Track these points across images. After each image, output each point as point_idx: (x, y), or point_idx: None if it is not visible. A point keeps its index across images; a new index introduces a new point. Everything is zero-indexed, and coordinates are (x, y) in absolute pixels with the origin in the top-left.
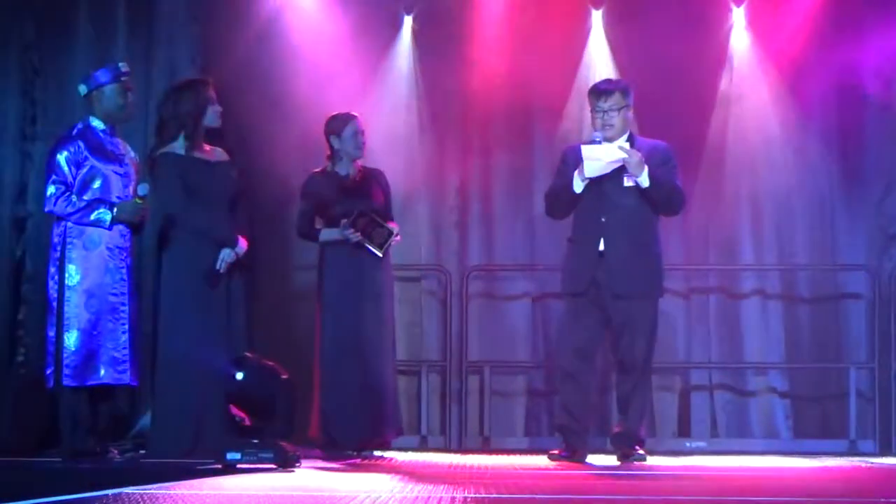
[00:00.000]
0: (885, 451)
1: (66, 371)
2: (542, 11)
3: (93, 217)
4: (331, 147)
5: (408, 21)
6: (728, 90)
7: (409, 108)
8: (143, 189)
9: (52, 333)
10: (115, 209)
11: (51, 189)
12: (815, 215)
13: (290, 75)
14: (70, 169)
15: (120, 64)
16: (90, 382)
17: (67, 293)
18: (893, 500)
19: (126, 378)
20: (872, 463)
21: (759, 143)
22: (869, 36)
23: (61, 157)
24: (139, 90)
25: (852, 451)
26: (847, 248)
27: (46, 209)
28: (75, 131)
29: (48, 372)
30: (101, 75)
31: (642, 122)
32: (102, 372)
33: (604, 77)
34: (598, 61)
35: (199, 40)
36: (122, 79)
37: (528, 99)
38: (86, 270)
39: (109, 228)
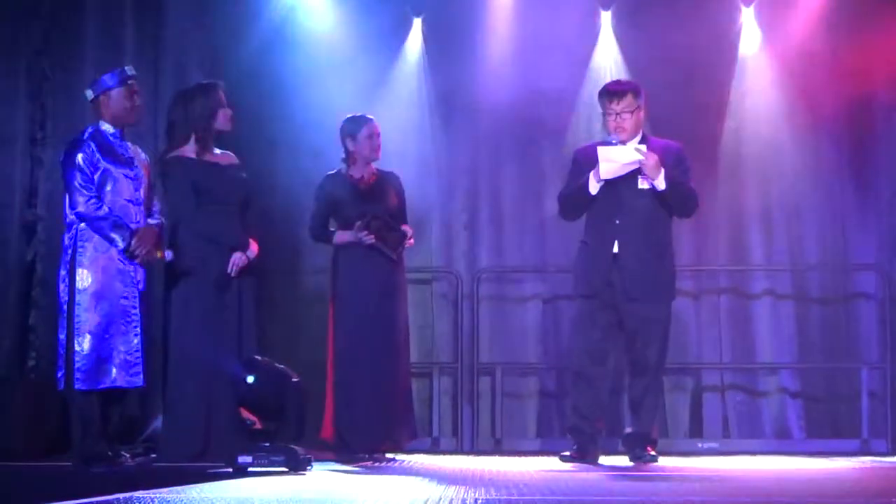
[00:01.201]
0: None
1: (77, 375)
2: (552, 12)
3: (111, 234)
4: (346, 149)
5: (417, 23)
6: (738, 90)
7: (418, 109)
8: (169, 255)
9: (62, 336)
10: (133, 239)
11: (79, 189)
12: (825, 215)
13: (300, 78)
14: (88, 171)
15: (126, 67)
16: (102, 386)
17: (78, 297)
18: None
19: (138, 381)
20: (885, 463)
21: (770, 144)
22: (879, 35)
23: (79, 158)
24: (147, 94)
25: (864, 451)
26: (858, 247)
27: (75, 209)
28: (86, 135)
29: (59, 375)
30: (108, 79)
31: (652, 123)
32: (114, 375)
33: (613, 77)
34: (608, 62)
35: (208, 44)
36: (129, 82)
37: (537, 100)
38: (96, 274)
39: (119, 251)
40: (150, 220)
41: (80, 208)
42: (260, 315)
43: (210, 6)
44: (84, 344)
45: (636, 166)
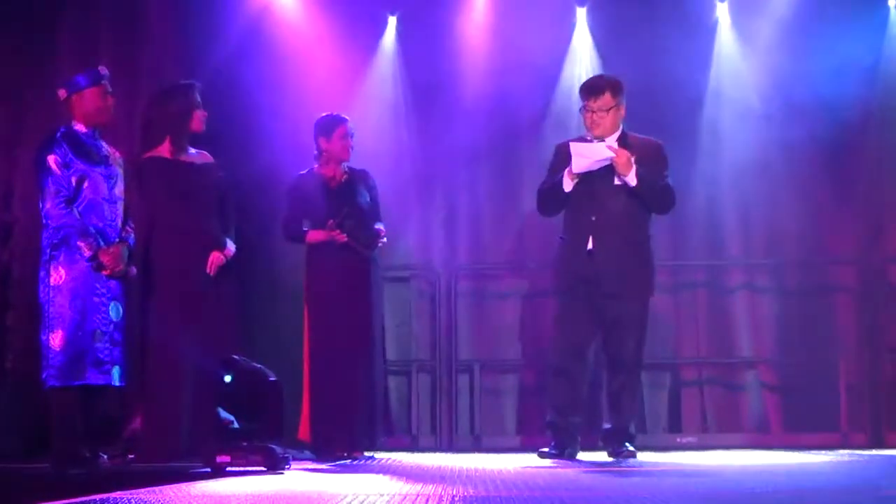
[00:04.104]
0: (876, 443)
1: (51, 371)
2: (527, 9)
3: (78, 242)
4: (318, 148)
5: (392, 21)
6: (713, 85)
7: (394, 107)
8: (133, 271)
9: (44, 337)
10: (104, 256)
11: (50, 192)
12: (802, 209)
13: (275, 77)
14: (62, 171)
15: (99, 67)
16: (76, 382)
17: (52, 293)
18: (885, 493)
19: (112, 379)
20: (864, 456)
21: (745, 138)
22: (855, 29)
23: (51, 161)
24: (123, 94)
25: (843, 445)
26: (835, 241)
27: (45, 212)
28: (58, 134)
29: (43, 375)
30: (81, 79)
31: (628, 118)
32: (88, 373)
33: (589, 74)
34: (583, 58)
35: (184, 43)
36: (102, 82)
37: (513, 97)
38: (71, 271)
39: (87, 261)
40: (123, 235)
41: (50, 211)
42: (238, 314)
43: (186, 6)
44: (57, 340)
45: (608, 162)
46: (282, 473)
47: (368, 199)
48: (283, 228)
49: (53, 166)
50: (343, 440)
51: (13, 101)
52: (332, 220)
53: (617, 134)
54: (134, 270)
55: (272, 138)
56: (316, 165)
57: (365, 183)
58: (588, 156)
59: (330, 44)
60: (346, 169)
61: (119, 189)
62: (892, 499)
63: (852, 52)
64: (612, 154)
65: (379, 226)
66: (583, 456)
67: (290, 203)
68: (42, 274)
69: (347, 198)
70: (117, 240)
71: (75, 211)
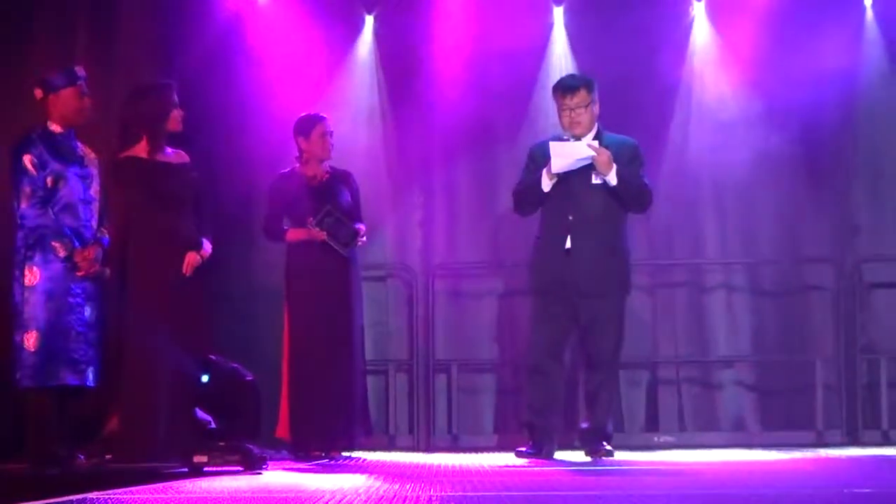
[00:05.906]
0: (851, 441)
1: (26, 371)
2: (504, 9)
3: (53, 242)
4: (298, 147)
5: (369, 20)
6: (690, 84)
7: (371, 105)
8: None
9: (18, 337)
10: (78, 256)
11: (25, 193)
12: (778, 208)
13: (253, 76)
14: (37, 172)
15: (76, 68)
16: (51, 383)
17: (27, 294)
18: (860, 490)
19: (87, 380)
20: (839, 454)
21: (722, 137)
22: (829, 29)
23: (26, 161)
24: (99, 93)
25: (819, 443)
26: (811, 240)
27: (20, 212)
28: (34, 135)
29: (18, 376)
30: (57, 79)
31: (604, 117)
32: (63, 373)
33: (566, 73)
34: (561, 57)
35: (160, 42)
36: (79, 82)
37: (490, 95)
38: (46, 271)
39: (63, 262)
40: (98, 236)
41: (25, 212)
42: (215, 314)
43: (163, 5)
44: (31, 341)
45: (588, 161)
46: (259, 473)
47: (350, 199)
48: (264, 227)
49: (29, 166)
50: (321, 440)
51: None
52: (311, 219)
53: (593, 132)
54: (108, 271)
55: (249, 138)
56: (297, 165)
57: (347, 183)
58: (568, 155)
59: (307, 43)
60: (329, 169)
61: (94, 189)
62: (867, 497)
63: (829, 53)
64: (592, 153)
65: (359, 225)
66: (560, 455)
67: (270, 202)
68: (17, 274)
69: (328, 197)
70: (92, 240)
71: (50, 211)
